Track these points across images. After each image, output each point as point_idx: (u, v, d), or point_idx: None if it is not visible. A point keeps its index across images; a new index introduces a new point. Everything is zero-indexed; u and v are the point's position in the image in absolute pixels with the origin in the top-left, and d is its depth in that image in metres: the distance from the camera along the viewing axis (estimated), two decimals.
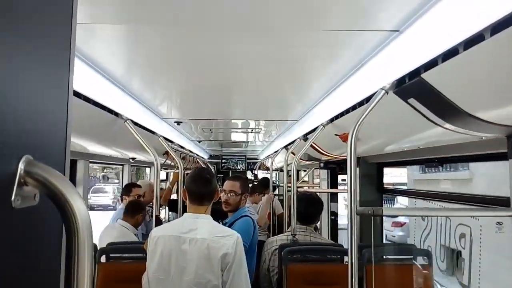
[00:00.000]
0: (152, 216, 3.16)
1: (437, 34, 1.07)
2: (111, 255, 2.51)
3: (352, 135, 1.45)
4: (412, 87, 1.33)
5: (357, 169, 3.32)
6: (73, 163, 3.46)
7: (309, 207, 2.68)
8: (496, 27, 0.90)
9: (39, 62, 0.58)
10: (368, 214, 1.37)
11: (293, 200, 2.74)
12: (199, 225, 1.81)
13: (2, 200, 0.49)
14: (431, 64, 1.19)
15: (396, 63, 1.31)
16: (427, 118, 1.50)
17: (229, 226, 2.51)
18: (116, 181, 23.81)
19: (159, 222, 2.47)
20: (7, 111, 0.49)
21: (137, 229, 3.29)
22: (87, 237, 0.52)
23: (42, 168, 0.52)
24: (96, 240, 2.98)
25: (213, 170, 9.40)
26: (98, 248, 2.52)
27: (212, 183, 1.94)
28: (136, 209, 3.24)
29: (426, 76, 1.25)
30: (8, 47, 0.49)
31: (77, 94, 1.83)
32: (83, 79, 1.78)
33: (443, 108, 1.33)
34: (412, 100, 1.44)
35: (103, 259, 2.48)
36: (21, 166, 0.50)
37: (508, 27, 0.87)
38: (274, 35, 1.41)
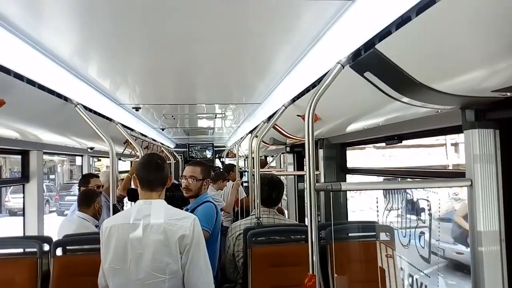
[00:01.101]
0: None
1: (389, 0, 1.04)
2: (67, 247, 2.40)
3: (309, 112, 1.42)
4: (368, 59, 1.31)
5: (321, 150, 3.36)
6: (25, 154, 3.27)
7: (270, 190, 2.68)
8: None
9: None
10: (327, 189, 1.35)
11: (256, 184, 2.71)
12: (153, 211, 1.76)
13: None
14: (385, 34, 1.16)
15: (351, 35, 1.28)
16: (383, 92, 1.48)
17: (191, 211, 2.46)
18: (52, 177, 20.59)
19: (116, 211, 2.37)
20: None
21: (98, 220, 3.15)
22: None
23: None
24: (53, 236, 2.84)
25: (180, 159, 9.26)
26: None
27: (162, 169, 1.88)
28: (90, 198, 3.08)
29: (380, 47, 1.22)
30: None
31: (19, 77, 1.70)
32: (25, 60, 1.65)
33: (399, 80, 1.31)
34: (368, 74, 1.41)
35: (59, 252, 2.36)
36: None
37: None
38: (230, 9, 1.34)
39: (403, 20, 1.06)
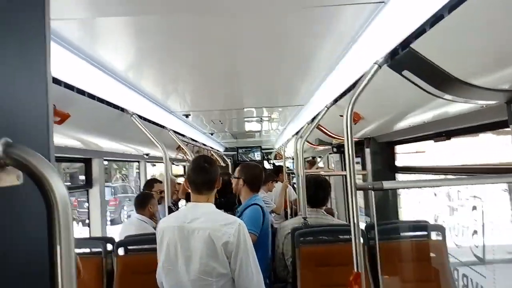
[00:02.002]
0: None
1: (420, 0, 1.06)
2: (128, 247, 2.58)
3: (347, 113, 1.45)
4: (404, 58, 1.32)
5: (367, 149, 3.33)
6: (88, 162, 3.55)
7: (316, 190, 2.69)
8: None
9: (12, 51, 0.61)
10: (368, 188, 1.37)
11: (301, 185, 2.75)
12: (201, 214, 1.80)
13: None
14: (419, 32, 1.17)
15: (386, 36, 1.31)
16: (424, 90, 1.48)
17: (240, 215, 2.55)
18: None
19: (171, 213, 2.52)
20: None
21: (155, 222, 3.35)
22: (66, 215, 0.55)
23: (20, 149, 0.55)
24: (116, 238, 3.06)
25: (229, 162, 9.47)
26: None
27: (209, 171, 1.88)
28: (143, 200, 3.29)
29: (416, 46, 1.23)
30: None
31: (80, 91, 1.89)
32: (86, 76, 1.83)
33: (438, 78, 1.31)
34: (406, 73, 1.42)
35: (121, 251, 2.55)
36: None
37: None
38: (272, 16, 1.42)
39: (436, 19, 1.07)
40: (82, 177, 3.81)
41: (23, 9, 0.64)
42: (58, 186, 0.55)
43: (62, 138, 2.37)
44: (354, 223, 1.44)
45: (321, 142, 4.05)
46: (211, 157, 6.94)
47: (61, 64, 1.56)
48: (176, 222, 1.83)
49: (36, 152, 0.56)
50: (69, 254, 0.55)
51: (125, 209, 13.59)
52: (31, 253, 0.62)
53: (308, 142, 3.55)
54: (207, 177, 1.87)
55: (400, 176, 3.27)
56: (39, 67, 0.67)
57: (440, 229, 2.38)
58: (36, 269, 0.62)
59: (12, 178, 0.56)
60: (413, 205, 3.55)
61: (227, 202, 3.14)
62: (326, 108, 2.50)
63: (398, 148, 3.22)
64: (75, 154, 3.20)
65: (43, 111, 0.67)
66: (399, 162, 3.23)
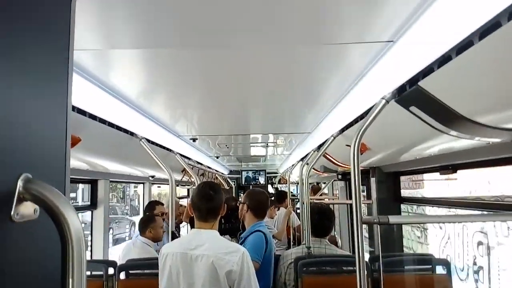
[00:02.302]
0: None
1: (429, 42, 1.09)
2: (130, 271, 2.56)
3: (354, 145, 1.47)
4: (412, 95, 1.34)
5: (373, 179, 3.32)
6: (94, 183, 3.57)
7: (321, 219, 2.66)
8: (483, 32, 0.91)
9: (36, 83, 0.63)
10: (374, 222, 1.37)
11: (305, 212, 2.74)
12: (205, 241, 1.81)
13: (3, 215, 0.54)
14: (427, 71, 1.20)
15: (394, 72, 1.33)
16: (431, 125, 1.50)
17: (243, 241, 2.53)
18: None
19: (175, 238, 2.52)
20: (5, 131, 0.55)
21: (157, 244, 3.34)
22: (80, 249, 0.56)
23: (39, 185, 0.57)
24: (117, 259, 3.05)
25: (233, 185, 9.45)
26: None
27: (214, 199, 1.90)
28: (145, 223, 3.28)
29: (424, 83, 1.26)
30: (2, 70, 0.54)
31: (92, 116, 1.93)
32: (98, 102, 1.87)
33: (444, 115, 1.34)
34: (413, 108, 1.45)
35: (122, 275, 2.53)
36: (19, 183, 0.55)
37: (494, 31, 0.88)
38: (283, 50, 1.45)
39: (444, 59, 1.10)
40: None
41: (48, 39, 0.67)
42: (73, 221, 0.57)
43: (71, 160, 2.40)
44: (359, 256, 1.43)
45: (326, 169, 4.05)
46: (215, 181, 6.95)
47: (75, 90, 1.59)
48: (180, 248, 1.83)
49: (53, 188, 0.58)
50: (80, 286, 0.56)
51: (111, 232, 13.32)
52: (44, 285, 0.63)
53: (314, 169, 3.55)
54: (212, 205, 1.89)
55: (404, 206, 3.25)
56: (61, 100, 0.69)
57: (445, 264, 2.35)
58: None
59: (30, 213, 0.58)
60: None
61: (232, 228, 3.13)
62: (332, 137, 2.52)
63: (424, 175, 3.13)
64: (81, 175, 3.23)
65: (62, 142, 0.69)
66: (423, 191, 3.19)
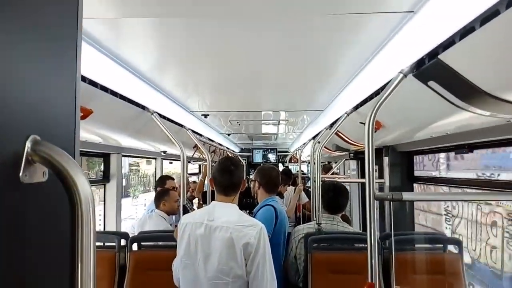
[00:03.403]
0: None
1: (451, 12, 1.04)
2: (142, 243, 2.61)
3: (369, 121, 1.43)
4: (431, 69, 1.30)
5: (386, 158, 3.28)
6: (107, 157, 3.60)
7: (336, 196, 2.66)
8: (510, 1, 0.86)
9: (45, 49, 0.62)
10: (387, 199, 1.35)
11: (317, 190, 2.73)
12: (224, 213, 1.83)
13: (12, 176, 0.53)
14: (448, 44, 1.15)
15: (413, 45, 1.28)
16: (449, 101, 1.45)
17: (254, 216, 2.55)
18: None
19: (186, 211, 2.54)
20: (14, 93, 0.54)
21: (173, 218, 3.40)
22: (89, 213, 0.56)
23: (47, 146, 0.56)
24: (131, 230, 3.10)
25: (244, 163, 9.49)
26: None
27: (235, 174, 1.93)
28: (157, 197, 3.35)
29: (444, 57, 1.21)
30: (13, 36, 0.53)
31: (104, 88, 1.92)
32: (109, 74, 1.86)
33: (465, 90, 1.29)
34: (432, 83, 1.40)
35: (134, 247, 2.58)
36: (28, 144, 0.55)
37: None
38: (295, 22, 1.41)
39: (466, 31, 1.05)
40: None
41: (56, 8, 0.65)
42: (82, 183, 0.56)
43: (83, 133, 2.42)
44: (371, 233, 1.42)
45: (338, 148, 4.02)
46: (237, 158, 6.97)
47: (87, 61, 1.59)
48: (200, 219, 1.86)
49: (62, 150, 0.57)
50: (89, 248, 0.56)
51: None
52: (54, 248, 0.63)
53: (325, 147, 3.52)
54: (233, 180, 1.92)
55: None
56: (70, 66, 0.68)
57: (457, 242, 2.33)
58: (58, 263, 0.63)
59: (39, 175, 0.57)
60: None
61: (248, 204, 3.20)
62: (346, 115, 2.48)
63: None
64: (95, 148, 3.26)
65: (71, 109, 0.68)
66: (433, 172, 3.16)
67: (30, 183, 0.55)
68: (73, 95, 0.68)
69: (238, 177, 1.94)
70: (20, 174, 0.54)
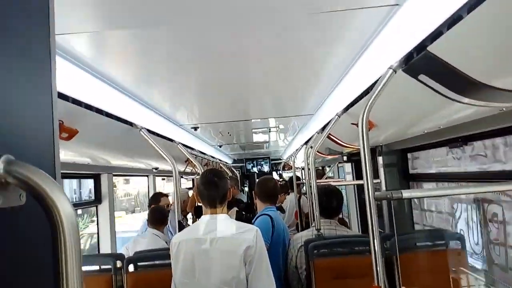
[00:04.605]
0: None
1: (437, 1, 1.02)
2: (138, 263, 2.53)
3: (362, 120, 1.40)
4: (420, 62, 1.27)
5: (380, 158, 3.26)
6: (97, 177, 3.53)
7: (329, 199, 2.64)
8: None
9: (18, 66, 0.58)
10: (387, 198, 1.32)
11: (313, 195, 2.70)
12: (217, 225, 1.83)
13: None
14: (436, 34, 1.13)
15: (400, 39, 1.26)
16: (441, 94, 1.43)
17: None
18: None
19: (182, 228, 2.48)
20: None
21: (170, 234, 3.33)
22: (72, 236, 0.51)
23: (22, 166, 0.51)
24: (125, 252, 3.02)
25: (238, 174, 9.43)
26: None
27: (220, 186, 1.93)
28: (151, 215, 3.28)
29: (433, 48, 1.19)
30: None
31: (88, 107, 1.87)
32: (93, 91, 1.81)
33: (456, 81, 1.27)
34: (423, 77, 1.38)
35: (131, 268, 2.50)
36: (0, 165, 0.50)
37: None
38: (280, 24, 1.38)
39: (454, 20, 1.03)
40: None
41: (26, 20, 0.61)
42: (63, 204, 0.51)
43: (70, 154, 2.35)
44: (373, 235, 1.38)
45: (331, 152, 4.00)
46: (219, 169, 6.91)
47: (69, 79, 1.54)
48: (192, 235, 1.85)
49: (39, 169, 0.52)
50: (74, 274, 0.51)
51: None
52: (36, 279, 0.58)
53: (318, 152, 3.49)
54: (219, 192, 1.91)
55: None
56: (44, 82, 0.63)
57: (459, 238, 2.30)
58: None
59: (15, 198, 0.52)
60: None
61: (249, 219, 3.21)
62: (337, 117, 2.45)
63: None
64: (84, 170, 3.18)
65: (49, 126, 0.63)
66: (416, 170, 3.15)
67: (4, 208, 0.50)
68: (49, 113, 0.64)
69: (223, 188, 1.94)
70: None
